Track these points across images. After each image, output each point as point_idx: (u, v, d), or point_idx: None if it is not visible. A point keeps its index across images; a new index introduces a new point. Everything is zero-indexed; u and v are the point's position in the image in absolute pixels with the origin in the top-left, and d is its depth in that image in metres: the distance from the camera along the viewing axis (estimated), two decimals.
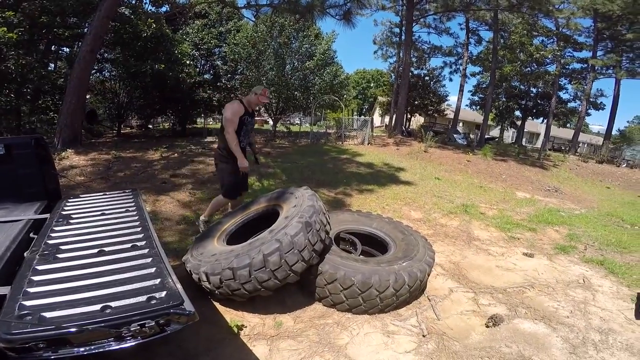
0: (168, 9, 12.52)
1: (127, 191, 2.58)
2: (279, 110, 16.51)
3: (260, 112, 25.87)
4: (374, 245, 3.23)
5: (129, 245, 1.60)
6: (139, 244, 1.62)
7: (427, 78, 25.43)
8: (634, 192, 11.53)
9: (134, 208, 2.15)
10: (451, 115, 24.81)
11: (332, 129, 16.78)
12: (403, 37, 18.65)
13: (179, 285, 1.25)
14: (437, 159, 11.17)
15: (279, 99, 15.71)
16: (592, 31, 20.09)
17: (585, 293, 3.13)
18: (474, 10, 17.82)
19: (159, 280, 1.28)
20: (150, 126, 17.72)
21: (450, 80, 60.85)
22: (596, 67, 20.15)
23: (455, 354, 2.18)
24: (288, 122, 20.30)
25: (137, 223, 1.89)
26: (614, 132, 24.75)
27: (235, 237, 2.75)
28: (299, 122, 23.53)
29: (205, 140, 11.93)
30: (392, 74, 25.27)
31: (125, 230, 1.80)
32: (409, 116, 26.52)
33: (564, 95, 24.86)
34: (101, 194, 2.53)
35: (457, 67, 23.92)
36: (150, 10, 12.11)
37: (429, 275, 2.78)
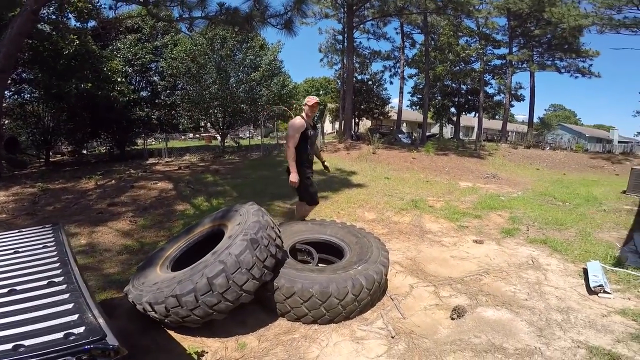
0: (96, 24, 11.59)
1: (47, 226, 2.39)
2: (226, 124, 16.04)
3: (207, 128, 24.96)
4: (331, 252, 3.17)
5: (44, 282, 1.53)
6: (56, 280, 1.56)
7: (370, 82, 26.45)
8: (559, 170, 12.92)
9: (53, 243, 2.02)
10: (395, 117, 25.99)
11: (284, 139, 16.66)
12: (346, 44, 19.23)
13: (101, 320, 1.22)
14: (386, 160, 11.56)
15: (225, 112, 15.27)
16: (507, 29, 22.32)
17: (537, 273, 3.30)
18: (406, 14, 19.01)
19: (77, 315, 1.25)
20: (85, 152, 16.23)
21: (391, 83, 64.15)
22: (513, 62, 22.32)
23: (427, 351, 2.16)
24: (238, 136, 19.79)
25: (55, 259, 1.81)
26: (535, 120, 27.61)
27: (181, 263, 2.57)
28: (248, 135, 23.07)
29: (147, 162, 11.15)
30: (339, 81, 25.91)
31: (41, 267, 1.72)
32: (357, 120, 27.34)
33: (489, 90, 27.43)
34: (16, 231, 2.31)
35: (396, 70, 25.21)
36: (75, 25, 11.12)
37: (386, 276, 2.77)
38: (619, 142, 30.60)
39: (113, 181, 7.50)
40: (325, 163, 4.25)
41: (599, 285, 2.86)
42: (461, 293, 2.90)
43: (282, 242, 2.54)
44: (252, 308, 2.49)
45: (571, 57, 21.10)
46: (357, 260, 2.66)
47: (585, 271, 3.18)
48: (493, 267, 3.42)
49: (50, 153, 13.98)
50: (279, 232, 2.50)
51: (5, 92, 11.10)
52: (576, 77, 22.28)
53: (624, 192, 7.50)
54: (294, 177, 3.48)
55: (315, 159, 3.97)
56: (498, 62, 24.89)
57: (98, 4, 11.35)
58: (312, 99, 3.62)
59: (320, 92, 45.87)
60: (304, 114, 3.63)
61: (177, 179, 7.71)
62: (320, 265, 3.03)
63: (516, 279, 3.16)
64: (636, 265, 3.30)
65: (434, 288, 2.99)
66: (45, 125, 12.27)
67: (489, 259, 3.65)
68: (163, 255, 2.69)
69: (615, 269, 3.27)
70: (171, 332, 2.28)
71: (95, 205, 5.68)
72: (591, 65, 21.49)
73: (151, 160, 11.90)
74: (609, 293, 2.83)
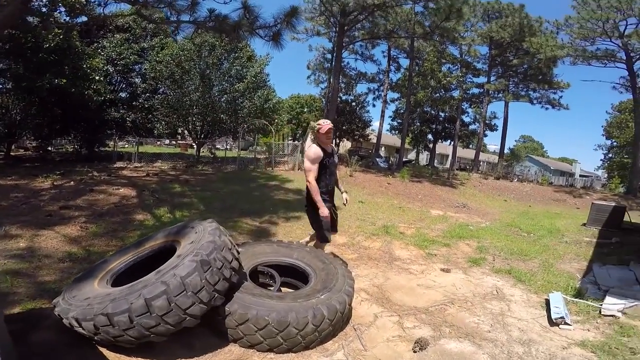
0: (86, 19, 11.18)
1: None
2: (204, 133, 15.70)
3: (184, 136, 24.35)
4: (297, 276, 3.02)
5: None
6: None
7: (353, 104, 26.95)
8: (526, 202, 13.40)
9: None
10: (374, 140, 26.45)
11: (263, 155, 16.42)
12: (334, 63, 19.55)
13: None
14: (361, 183, 11.59)
15: (204, 121, 14.97)
16: (488, 58, 23.32)
17: (501, 304, 3.28)
18: (395, 37, 19.63)
19: None
20: (51, 148, 15.36)
21: (374, 106, 65.74)
22: (490, 91, 23.26)
23: None
24: (214, 147, 19.35)
25: None
26: (505, 150, 28.77)
27: (126, 278, 2.35)
28: (226, 147, 22.67)
29: (114, 166, 10.62)
30: (323, 99, 26.23)
31: None
32: (337, 141, 27.59)
33: (465, 119, 28.47)
34: None
35: (379, 93, 25.87)
36: (65, 20, 10.70)
37: (350, 305, 2.65)
38: (580, 175, 32.47)
39: (72, 182, 7.02)
40: (345, 195, 3.70)
41: (560, 317, 2.88)
42: (425, 324, 2.81)
43: (240, 265, 2.38)
44: (202, 330, 2.28)
45: (544, 87, 22.14)
46: (321, 288, 2.52)
47: (548, 302, 3.20)
48: (458, 297, 3.37)
49: (13, 147, 13.16)
50: (237, 253, 2.34)
51: None
52: (546, 109, 23.51)
53: (584, 224, 7.80)
54: (323, 211, 3.15)
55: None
56: (476, 90, 25.93)
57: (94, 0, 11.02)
58: (325, 125, 3.20)
59: (305, 110, 46.22)
60: (318, 141, 3.26)
61: (142, 186, 7.31)
62: (283, 290, 2.88)
63: (480, 309, 3.13)
64: (595, 297, 3.37)
65: (399, 318, 2.88)
66: (12, 117, 11.58)
67: (455, 288, 3.60)
68: (105, 268, 2.46)
69: (576, 300, 3.32)
70: (103, 350, 2.05)
71: (46, 206, 5.25)
72: (561, 97, 22.84)
73: (119, 164, 11.36)
74: (569, 324, 2.86)
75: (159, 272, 1.98)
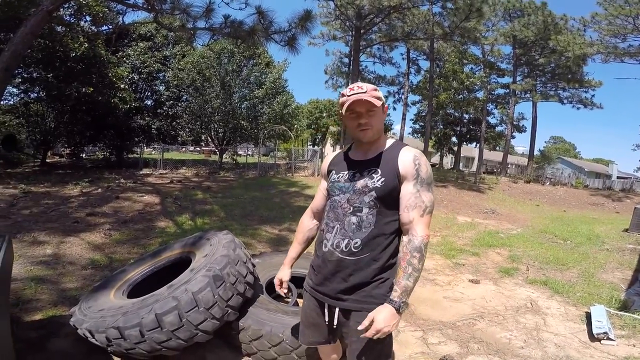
0: (110, 28, 11.67)
1: None
2: (226, 140, 15.98)
3: (208, 142, 24.91)
4: None
5: None
6: None
7: None
8: (559, 207, 12.66)
9: None
10: None
11: (283, 160, 16.49)
12: (351, 67, 19.39)
13: None
14: None
15: (225, 128, 15.24)
16: (512, 57, 22.39)
17: (536, 318, 3.04)
18: (413, 39, 19.19)
19: None
20: (83, 155, 16.11)
21: (394, 109, 64.48)
22: (516, 92, 22.27)
23: None
24: (236, 153, 19.71)
25: None
26: (535, 152, 27.43)
27: (142, 289, 2.32)
28: (248, 153, 23.01)
29: (140, 172, 10.96)
30: None
31: None
32: None
33: (491, 120, 27.30)
34: None
35: (400, 96, 25.43)
36: (91, 29, 11.22)
37: None
38: (617, 177, 30.47)
39: (99, 190, 7.26)
40: (386, 308, 1.16)
41: (603, 332, 2.63)
42: (451, 339, 2.62)
43: (256, 278, 2.29)
44: (216, 342, 2.21)
45: (574, 87, 20.99)
46: None
47: (589, 316, 2.95)
48: (489, 311, 3.14)
49: (49, 154, 13.86)
50: (253, 267, 2.27)
51: (14, 90, 11.14)
52: (578, 108, 22.24)
53: (626, 230, 7.26)
54: (279, 272, 1.66)
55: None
56: (501, 91, 24.89)
57: (115, 8, 11.48)
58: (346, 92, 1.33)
59: (324, 115, 46.27)
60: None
61: (165, 193, 7.47)
62: (294, 307, 2.76)
63: (513, 324, 2.91)
64: None
65: (422, 333, 2.70)
66: (47, 125, 12.22)
67: (485, 301, 3.36)
68: (123, 278, 2.44)
69: (621, 313, 3.04)
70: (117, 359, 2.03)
71: (74, 213, 5.42)
72: (593, 95, 21.52)
73: (145, 171, 11.73)
74: (612, 340, 2.61)
75: (171, 287, 1.94)
